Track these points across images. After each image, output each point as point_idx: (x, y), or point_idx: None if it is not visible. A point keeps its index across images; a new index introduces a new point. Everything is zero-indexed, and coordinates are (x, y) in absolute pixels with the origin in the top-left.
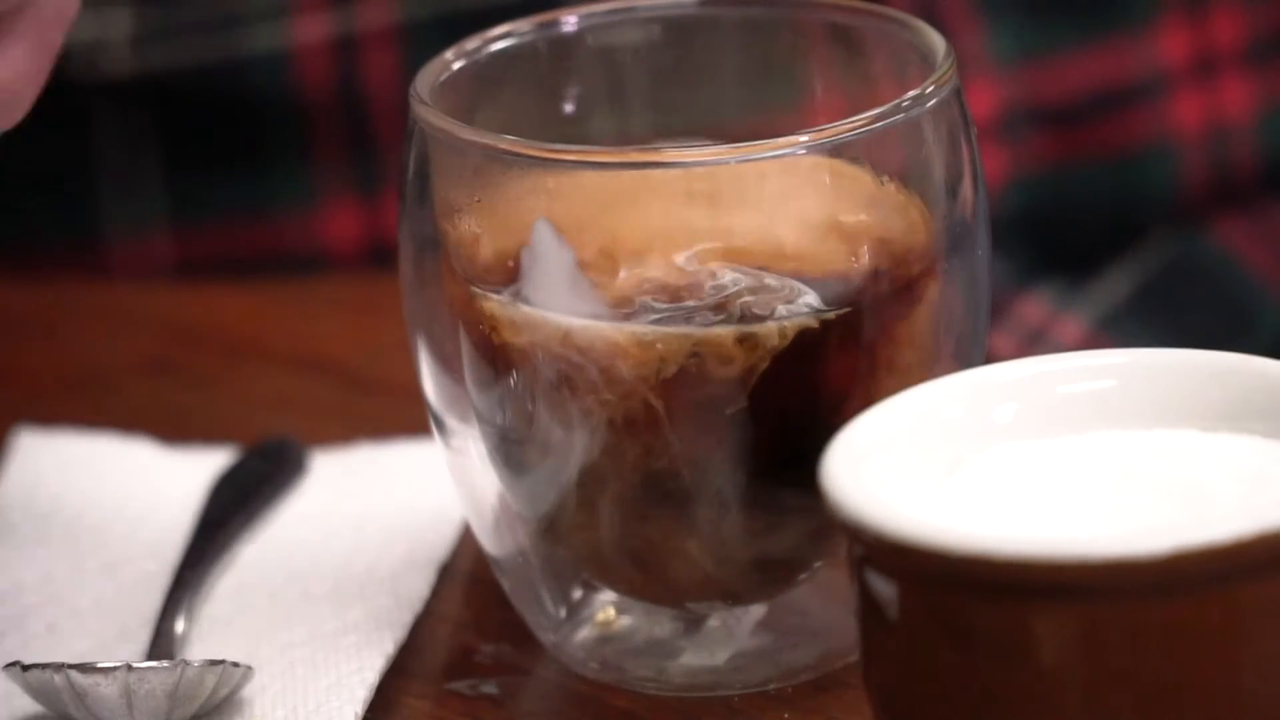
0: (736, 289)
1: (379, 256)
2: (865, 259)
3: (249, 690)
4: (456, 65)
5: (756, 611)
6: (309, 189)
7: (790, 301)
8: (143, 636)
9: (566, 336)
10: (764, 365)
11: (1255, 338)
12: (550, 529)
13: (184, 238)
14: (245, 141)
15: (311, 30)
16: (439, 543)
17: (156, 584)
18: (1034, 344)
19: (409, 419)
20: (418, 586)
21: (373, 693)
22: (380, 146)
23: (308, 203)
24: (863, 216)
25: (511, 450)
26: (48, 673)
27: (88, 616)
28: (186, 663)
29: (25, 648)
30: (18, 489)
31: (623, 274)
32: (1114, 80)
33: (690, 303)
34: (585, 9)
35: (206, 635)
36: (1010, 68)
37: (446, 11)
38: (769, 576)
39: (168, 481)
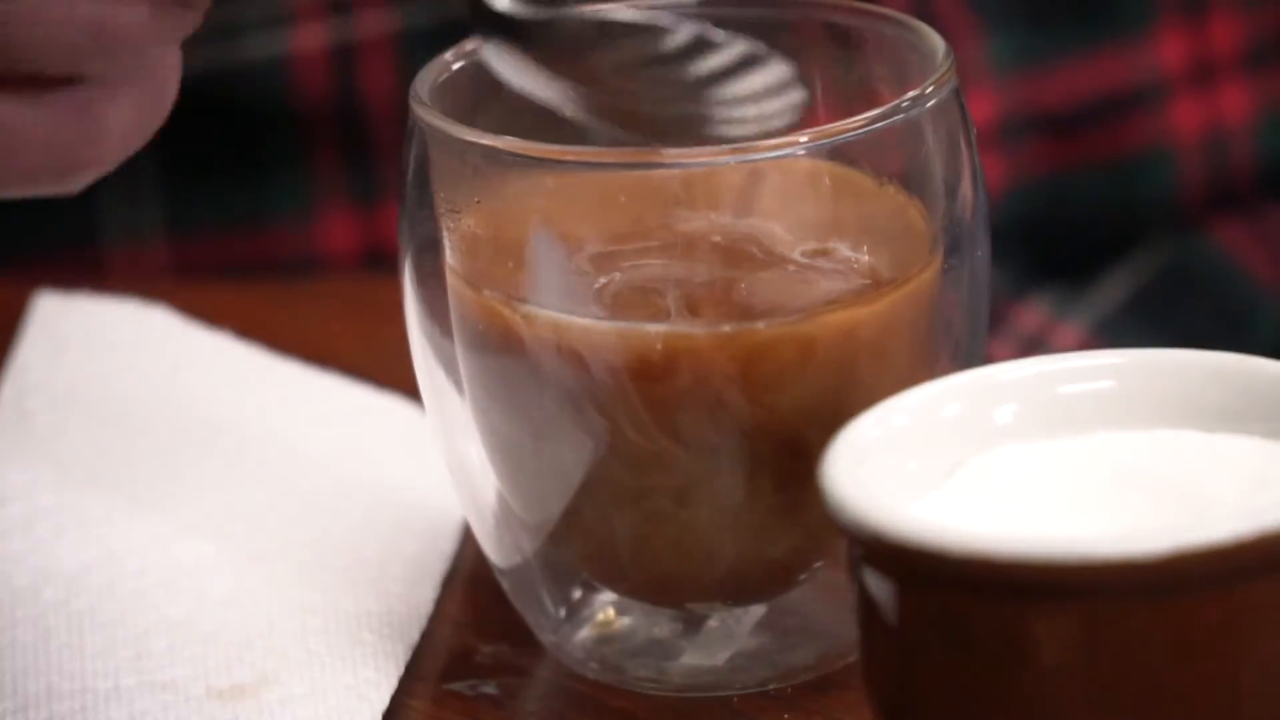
0: (736, 290)
1: (375, 265)
2: (865, 259)
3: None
4: (456, 66)
5: (756, 611)
6: (306, 197)
7: (790, 302)
8: (151, 557)
9: (566, 337)
10: (764, 365)
11: (1253, 340)
12: (550, 530)
13: (181, 245)
14: (243, 149)
15: (309, 39)
16: (442, 545)
17: (170, 497)
18: (1032, 351)
19: (409, 419)
20: (422, 591)
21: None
22: (378, 155)
23: (305, 211)
24: (862, 217)
25: (511, 451)
26: None
27: (97, 525)
28: None
29: (31, 552)
30: (35, 372)
31: (622, 274)
32: (1112, 87)
33: (690, 303)
34: (585, 9)
35: (208, 636)
36: (1009, 75)
37: (444, 20)
38: (769, 576)
39: (187, 372)
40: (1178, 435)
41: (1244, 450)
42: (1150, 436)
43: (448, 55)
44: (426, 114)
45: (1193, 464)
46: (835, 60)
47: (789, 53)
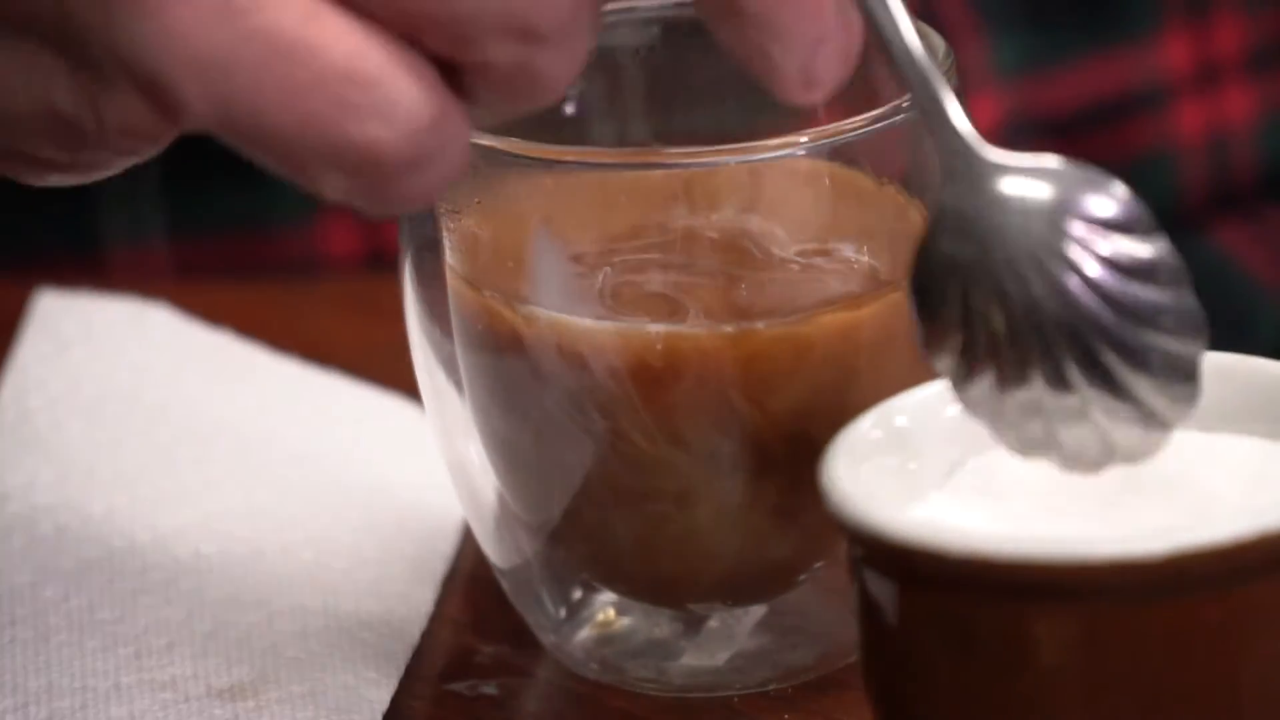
0: (736, 290)
1: (377, 268)
2: (865, 260)
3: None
4: None
5: (756, 612)
6: (307, 201)
7: (790, 302)
8: (151, 556)
9: (566, 337)
10: (764, 365)
11: (1253, 341)
12: (550, 530)
13: (182, 247)
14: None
15: None
16: (442, 545)
17: (170, 496)
18: None
19: (409, 419)
20: (422, 591)
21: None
22: None
23: (306, 215)
24: (862, 217)
25: (511, 451)
26: None
27: (98, 523)
28: None
29: (32, 548)
30: (35, 371)
31: (622, 275)
32: (1115, 90)
33: (690, 303)
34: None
35: (208, 635)
36: (1012, 78)
37: None
38: (769, 576)
39: (185, 380)
40: (1178, 435)
41: (1244, 450)
42: None
43: None
44: None
45: (1193, 464)
46: None
47: None
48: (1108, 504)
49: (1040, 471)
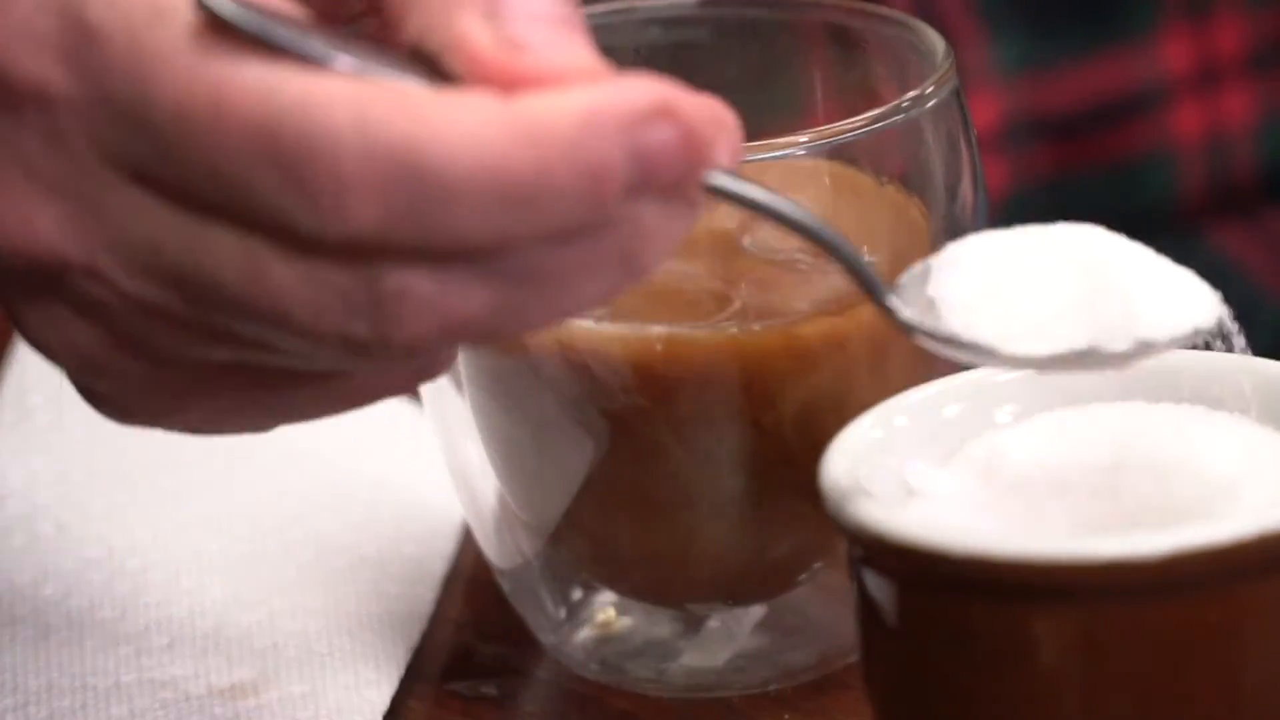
0: (737, 291)
1: None
2: (865, 259)
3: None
4: None
5: (756, 612)
6: None
7: (791, 303)
8: (151, 555)
9: (567, 338)
10: (765, 366)
11: (1253, 342)
12: (550, 530)
13: None
14: None
15: None
16: (442, 545)
17: (171, 494)
18: None
19: (409, 419)
20: (422, 591)
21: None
22: None
23: None
24: (862, 217)
25: (511, 451)
26: None
27: (99, 522)
28: None
29: (33, 546)
30: (36, 368)
31: None
32: (1116, 91)
33: (690, 304)
34: (585, 9)
35: (208, 634)
36: (1012, 79)
37: None
38: (769, 576)
39: None
40: (1179, 423)
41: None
42: None
43: None
44: None
45: (1195, 450)
46: (835, 60)
47: (789, 53)
48: (1107, 500)
49: (1040, 469)
